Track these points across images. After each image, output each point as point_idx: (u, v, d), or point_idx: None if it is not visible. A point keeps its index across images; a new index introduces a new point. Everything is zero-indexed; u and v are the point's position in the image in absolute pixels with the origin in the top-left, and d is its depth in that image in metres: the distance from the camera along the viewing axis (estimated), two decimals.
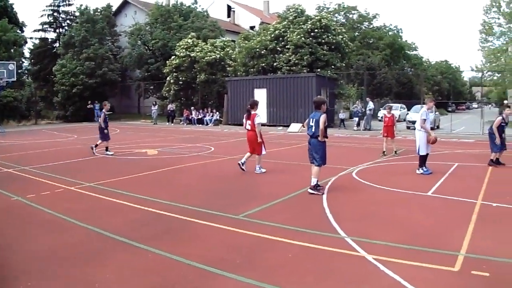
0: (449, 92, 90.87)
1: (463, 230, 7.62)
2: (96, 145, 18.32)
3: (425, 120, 13.56)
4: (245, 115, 14.45)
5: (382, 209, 9.24)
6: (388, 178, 12.62)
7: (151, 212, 8.83)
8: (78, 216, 8.51)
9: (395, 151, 18.39)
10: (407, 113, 42.94)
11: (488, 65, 49.31)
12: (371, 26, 76.75)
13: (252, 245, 6.90)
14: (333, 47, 40.89)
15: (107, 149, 18.44)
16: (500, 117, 15.54)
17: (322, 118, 10.54)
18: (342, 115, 37.99)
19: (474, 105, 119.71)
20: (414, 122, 35.72)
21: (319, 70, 38.87)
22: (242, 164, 13.90)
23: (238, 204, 9.51)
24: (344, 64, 42.31)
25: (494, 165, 15.30)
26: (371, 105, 35.40)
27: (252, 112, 14.09)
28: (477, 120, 37.85)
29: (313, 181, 10.68)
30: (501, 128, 15.44)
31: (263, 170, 13.78)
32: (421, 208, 9.46)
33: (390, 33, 77.86)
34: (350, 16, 74.63)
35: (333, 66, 40.18)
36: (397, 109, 47.84)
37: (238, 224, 7.90)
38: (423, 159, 13.75)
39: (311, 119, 10.78)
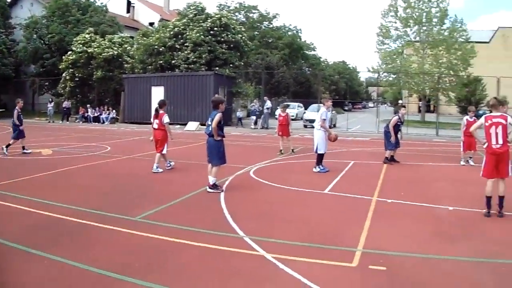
0: (345, 91, 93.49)
1: (360, 226, 7.94)
2: (9, 145, 17.32)
3: (324, 120, 13.92)
4: (153, 114, 14.22)
5: (279, 208, 9.43)
6: (286, 177, 12.85)
7: (47, 216, 8.42)
8: None
9: (292, 150, 18.70)
10: (304, 112, 43.77)
11: (384, 67, 51.25)
12: (271, 25, 77.46)
13: (151, 248, 6.81)
14: (232, 45, 41.12)
15: (24, 148, 17.61)
16: (397, 117, 16.22)
17: (217, 117, 10.57)
18: (239, 113, 38.29)
19: (370, 104, 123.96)
20: (311, 121, 36.70)
21: (217, 68, 39.00)
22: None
23: (136, 205, 9.33)
24: (242, 63, 42.68)
25: (389, 162, 16.00)
26: (268, 104, 35.84)
27: (160, 112, 13.93)
28: (372, 119, 39.18)
29: (211, 180, 10.71)
30: (397, 127, 16.16)
31: (160, 170, 13.63)
32: (318, 206, 9.73)
33: (289, 33, 78.81)
34: (251, 15, 74.93)
35: (231, 65, 40.39)
36: (295, 108, 48.80)
37: (136, 227, 7.77)
38: (320, 158, 14.12)
39: (210, 119, 10.80)
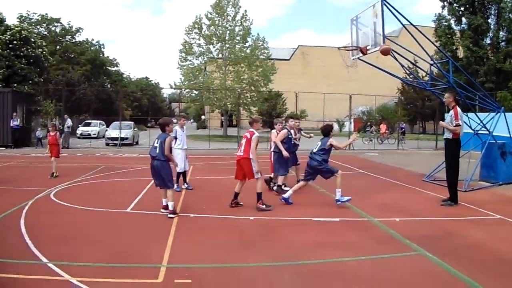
0: (148, 108, 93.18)
1: (164, 243, 8.08)
2: None
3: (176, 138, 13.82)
4: None
5: (83, 230, 9.19)
6: (88, 197, 12.51)
7: None
8: None
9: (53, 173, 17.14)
10: (106, 130, 43.03)
11: (187, 83, 51.81)
12: (74, 40, 75.48)
13: None
14: (32, 60, 39.29)
15: None
16: (285, 130, 14.04)
17: (167, 140, 10.38)
18: (39, 133, 36.56)
19: (174, 120, 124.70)
20: (113, 139, 36.28)
21: (15, 85, 37.14)
22: None
23: None
24: (42, 79, 41.00)
25: (281, 191, 13.40)
26: (69, 122, 34.85)
27: None
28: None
29: (170, 205, 10.36)
30: (288, 142, 14.00)
31: None
32: (121, 225, 9.69)
33: (92, 48, 77.36)
34: (53, 28, 72.38)
35: (31, 81, 38.64)
36: (97, 126, 47.95)
37: None
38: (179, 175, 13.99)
39: (157, 141, 10.48)
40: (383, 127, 46.17)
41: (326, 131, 11.95)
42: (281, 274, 6.63)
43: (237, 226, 9.56)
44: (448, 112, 13.35)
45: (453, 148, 12.22)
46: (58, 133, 18.02)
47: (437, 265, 7.01)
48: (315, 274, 6.65)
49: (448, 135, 12.23)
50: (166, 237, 8.45)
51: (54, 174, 16.82)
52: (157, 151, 10.47)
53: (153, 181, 11.11)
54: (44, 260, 7.14)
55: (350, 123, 42.72)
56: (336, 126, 72.19)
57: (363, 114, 67.26)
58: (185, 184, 14.30)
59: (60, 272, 6.57)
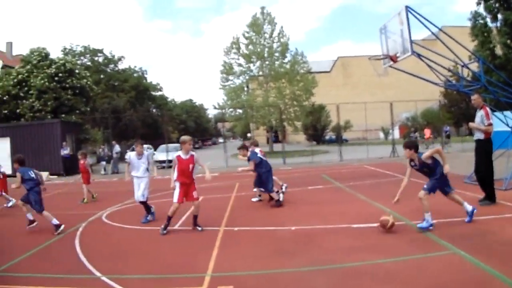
0: (194, 129, 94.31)
1: (209, 254, 8.55)
2: None
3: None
4: None
5: (132, 246, 9.78)
6: (137, 218, 12.94)
7: None
8: None
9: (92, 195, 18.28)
10: (154, 153, 43.86)
11: (230, 102, 52.32)
12: (117, 68, 77.06)
13: None
14: (77, 91, 40.64)
15: None
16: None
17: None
18: (88, 160, 37.54)
19: (220, 140, 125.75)
20: (161, 162, 36.94)
21: (64, 115, 38.32)
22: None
23: None
24: (89, 108, 42.26)
25: (280, 203, 14.02)
26: (117, 148, 35.71)
27: None
28: (222, 154, 39.78)
29: None
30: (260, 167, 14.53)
31: None
32: (169, 241, 10.20)
33: (135, 75, 78.76)
34: (96, 58, 74.06)
35: (78, 111, 39.86)
36: (145, 150, 48.71)
37: None
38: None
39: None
40: (427, 132, 45.30)
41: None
42: (317, 277, 6.95)
43: (278, 237, 9.94)
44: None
45: (486, 148, 12.15)
46: (87, 160, 18.94)
47: (472, 263, 7.15)
48: (349, 276, 6.95)
49: (479, 135, 12.15)
50: (212, 249, 8.93)
51: (85, 200, 17.71)
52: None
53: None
54: (98, 274, 7.68)
55: (393, 130, 42.62)
56: (381, 135, 72.03)
57: (408, 120, 66.69)
58: (148, 216, 12.76)
59: (113, 284, 7.07)
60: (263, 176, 14.48)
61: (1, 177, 17.82)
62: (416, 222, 10.22)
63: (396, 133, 45.52)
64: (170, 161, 35.47)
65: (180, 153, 11.19)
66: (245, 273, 7.38)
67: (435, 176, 9.82)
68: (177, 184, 11.02)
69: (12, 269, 8.40)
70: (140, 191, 12.73)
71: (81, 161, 18.68)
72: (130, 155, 13.17)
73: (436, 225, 9.85)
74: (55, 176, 32.45)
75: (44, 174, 31.67)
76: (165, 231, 10.79)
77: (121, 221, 12.84)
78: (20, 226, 13.13)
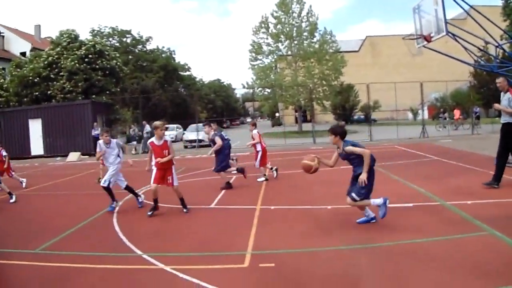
0: (223, 109, 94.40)
1: (247, 232, 8.65)
2: None
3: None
4: None
5: (171, 225, 9.95)
6: (174, 196, 13.11)
7: None
8: None
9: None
10: (183, 133, 44.14)
11: (259, 82, 52.28)
12: (145, 49, 77.42)
13: (56, 275, 7.00)
14: (107, 72, 40.99)
15: None
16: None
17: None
18: (119, 140, 37.90)
19: (248, 119, 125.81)
20: (191, 141, 37.16)
21: (94, 96, 38.68)
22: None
23: (32, 239, 9.33)
24: (119, 89, 42.63)
25: (227, 186, 14.59)
26: (147, 128, 35.94)
27: None
28: (249, 134, 39.73)
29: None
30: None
31: None
32: (207, 219, 10.33)
33: (163, 55, 79.12)
34: (124, 39, 74.50)
35: (108, 92, 40.21)
36: (174, 130, 49.09)
37: (38, 258, 7.87)
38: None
39: None
40: (456, 113, 44.81)
41: None
42: (357, 256, 6.99)
43: (314, 215, 9.98)
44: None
45: None
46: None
47: (507, 244, 7.15)
48: (389, 255, 6.98)
49: (508, 119, 11.77)
50: (250, 228, 9.03)
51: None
52: None
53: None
54: (139, 252, 7.85)
55: (423, 111, 42.13)
56: (410, 115, 71.53)
57: (437, 100, 66.05)
58: (113, 203, 12.23)
59: (154, 262, 7.21)
60: (220, 156, 14.79)
61: (5, 159, 17.57)
62: (451, 203, 10.22)
63: (425, 114, 45.01)
64: (200, 141, 35.70)
65: (153, 139, 11.25)
66: (285, 251, 7.45)
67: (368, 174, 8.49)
68: (154, 168, 11.16)
69: (54, 247, 8.60)
70: (106, 176, 12.25)
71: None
72: (99, 143, 12.50)
73: (471, 206, 9.86)
74: (87, 156, 32.82)
75: (76, 154, 32.08)
76: (150, 213, 10.94)
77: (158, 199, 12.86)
78: (58, 205, 13.47)
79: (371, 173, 8.48)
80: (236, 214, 10.70)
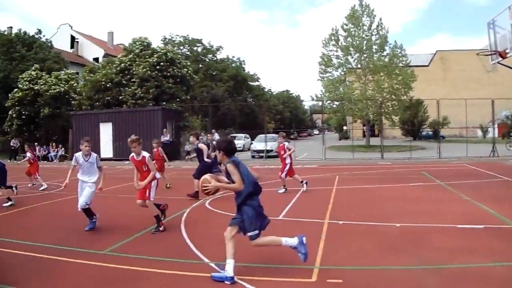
0: (291, 120, 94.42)
1: (315, 247, 8.52)
2: None
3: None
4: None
5: (238, 234, 9.89)
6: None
7: (14, 254, 8.51)
8: None
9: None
10: (251, 143, 44.36)
11: (328, 94, 52.13)
12: (215, 58, 78.32)
13: (123, 277, 7.12)
14: (178, 80, 41.57)
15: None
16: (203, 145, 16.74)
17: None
18: (187, 147, 38.45)
19: (316, 131, 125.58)
20: (259, 151, 37.31)
21: (164, 103, 39.27)
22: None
23: (101, 239, 9.58)
24: (189, 97, 43.11)
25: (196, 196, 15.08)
26: (216, 136, 36.21)
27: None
28: (318, 146, 39.71)
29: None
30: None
31: None
32: (274, 230, 10.18)
33: (233, 65, 79.98)
34: (195, 48, 75.59)
35: (178, 99, 40.76)
36: (242, 139, 49.49)
37: (105, 259, 8.04)
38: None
39: None
40: None
41: None
42: (427, 276, 6.80)
43: (383, 232, 9.81)
44: None
45: None
46: (161, 148, 19.43)
47: None
48: (460, 277, 6.75)
49: None
50: (318, 242, 8.92)
51: (168, 184, 18.66)
52: None
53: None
54: (206, 260, 7.91)
55: (494, 128, 41.10)
56: (479, 132, 69.84)
57: (507, 118, 64.20)
58: (93, 221, 10.92)
59: (220, 271, 7.15)
60: (201, 166, 15.90)
61: (32, 162, 19.60)
62: None
63: (495, 132, 43.83)
64: (268, 151, 35.77)
65: (133, 154, 10.43)
66: (353, 268, 7.33)
67: (243, 205, 7.56)
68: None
69: (122, 249, 8.76)
70: (83, 197, 10.75)
71: (154, 149, 19.11)
72: (76, 156, 11.02)
73: None
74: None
75: None
76: (154, 232, 10.24)
77: (223, 208, 12.96)
78: (125, 207, 13.69)
79: (252, 205, 7.48)
80: (304, 227, 10.56)
